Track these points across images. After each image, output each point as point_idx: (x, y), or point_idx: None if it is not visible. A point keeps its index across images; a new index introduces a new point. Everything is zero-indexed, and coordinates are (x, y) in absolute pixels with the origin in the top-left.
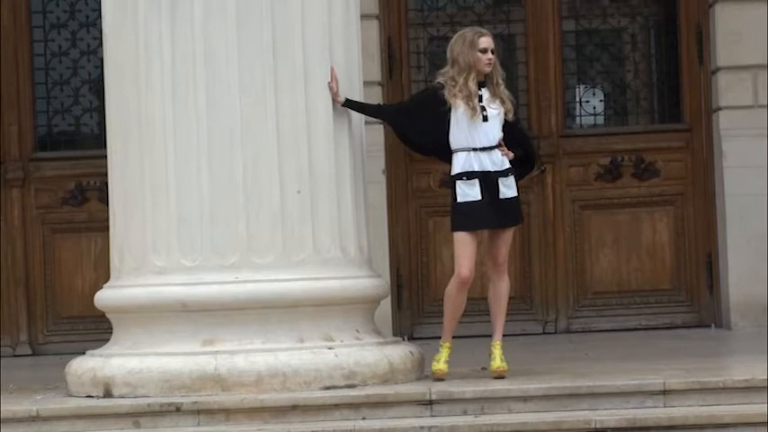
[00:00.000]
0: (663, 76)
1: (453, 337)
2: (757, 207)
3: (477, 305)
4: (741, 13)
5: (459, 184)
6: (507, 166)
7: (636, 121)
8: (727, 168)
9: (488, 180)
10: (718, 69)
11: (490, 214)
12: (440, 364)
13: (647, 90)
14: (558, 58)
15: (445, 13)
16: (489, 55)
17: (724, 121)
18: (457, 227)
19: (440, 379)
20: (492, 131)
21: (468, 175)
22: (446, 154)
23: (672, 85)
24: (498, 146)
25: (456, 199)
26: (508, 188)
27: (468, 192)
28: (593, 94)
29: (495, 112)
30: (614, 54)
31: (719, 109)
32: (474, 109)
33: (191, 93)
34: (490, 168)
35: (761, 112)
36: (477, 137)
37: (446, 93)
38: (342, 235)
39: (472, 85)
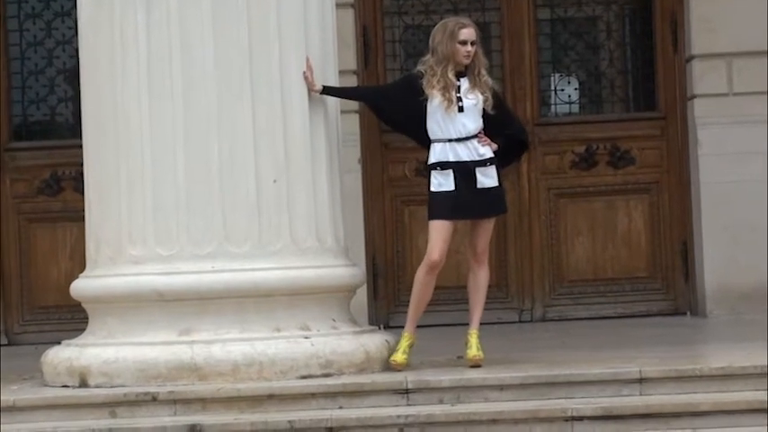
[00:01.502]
0: (638, 65)
1: (427, 327)
2: (732, 195)
3: (453, 294)
4: (715, 1)
5: (433, 173)
6: (487, 155)
7: (611, 109)
8: (703, 156)
9: (464, 170)
10: (692, 57)
11: (467, 204)
12: (397, 355)
13: (622, 78)
14: (533, 47)
15: (420, 1)
16: (468, 47)
17: (699, 108)
18: (432, 215)
19: (397, 369)
20: (468, 122)
21: (443, 166)
22: (425, 141)
23: (647, 74)
24: (476, 136)
25: (431, 189)
26: (487, 177)
27: (443, 182)
28: (569, 83)
29: (473, 102)
30: (589, 42)
31: (694, 97)
32: (450, 100)
33: (166, 83)
34: (466, 158)
35: (735, 99)
36: (452, 127)
37: (424, 82)
38: (318, 224)
39: (450, 75)
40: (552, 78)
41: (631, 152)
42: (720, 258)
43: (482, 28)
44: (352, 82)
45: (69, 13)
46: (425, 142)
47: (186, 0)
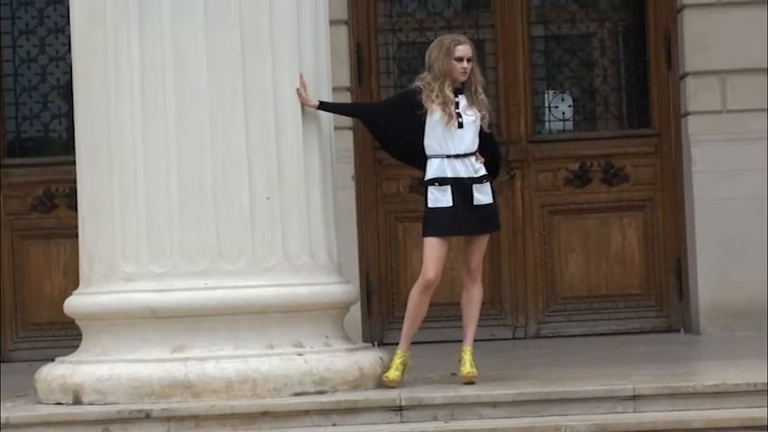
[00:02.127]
0: (632, 82)
1: (420, 343)
2: (726, 212)
3: (446, 310)
4: (709, 18)
5: (430, 189)
6: (483, 172)
7: (605, 126)
8: (696, 173)
9: (461, 186)
10: (686, 74)
11: (463, 221)
12: (390, 372)
13: (616, 95)
14: (527, 64)
15: (414, 18)
16: (465, 64)
17: (693, 126)
18: (427, 232)
19: (390, 386)
20: (467, 138)
21: (441, 182)
22: (419, 159)
23: (641, 91)
24: (473, 153)
25: (427, 204)
26: (483, 194)
27: (440, 198)
28: (562, 100)
29: (472, 119)
30: (583, 59)
31: (688, 114)
32: (450, 115)
33: (160, 99)
34: (463, 175)
35: (729, 116)
36: (451, 144)
37: (423, 97)
38: (311, 241)
39: (448, 92)
40: (546, 95)
41: (625, 169)
42: (714, 275)
43: (476, 45)
44: (345, 98)
45: (63, 29)
46: (418, 160)
47: (179, 16)
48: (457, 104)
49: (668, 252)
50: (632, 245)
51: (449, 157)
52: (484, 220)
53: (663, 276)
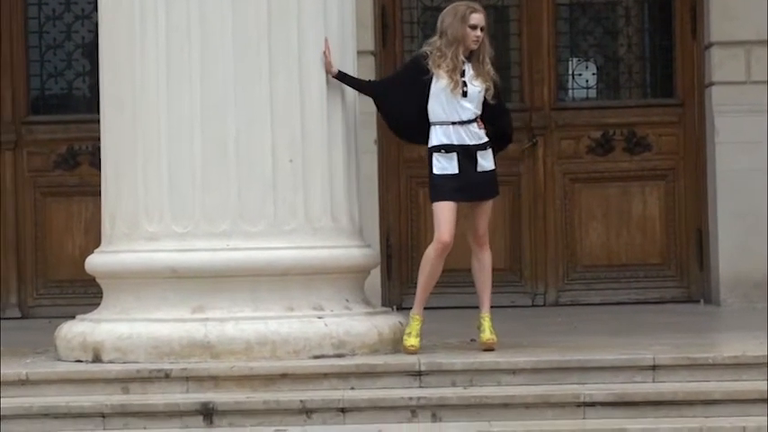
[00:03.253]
0: (656, 51)
1: (439, 308)
2: (748, 183)
3: (465, 276)
4: None
5: (436, 156)
6: (485, 139)
7: (628, 95)
8: (720, 144)
9: (467, 153)
10: (711, 45)
11: (469, 187)
12: (411, 338)
13: (640, 64)
14: (551, 31)
15: None
16: (478, 32)
17: (716, 96)
18: (436, 197)
19: (412, 353)
20: (471, 107)
21: (447, 148)
22: (423, 136)
23: (665, 60)
24: (476, 120)
25: (433, 171)
26: (486, 161)
27: (446, 165)
28: (586, 68)
29: (477, 89)
30: (607, 28)
31: (712, 84)
32: (456, 82)
33: (185, 60)
34: (468, 142)
35: (753, 87)
36: (455, 111)
37: (430, 62)
38: (333, 204)
39: (461, 57)
40: (570, 63)
41: (648, 138)
42: (735, 246)
43: (500, 12)
44: (369, 63)
45: None
46: (422, 137)
47: None
48: (463, 73)
49: (689, 222)
50: (653, 214)
51: (453, 123)
52: (488, 185)
53: (683, 246)
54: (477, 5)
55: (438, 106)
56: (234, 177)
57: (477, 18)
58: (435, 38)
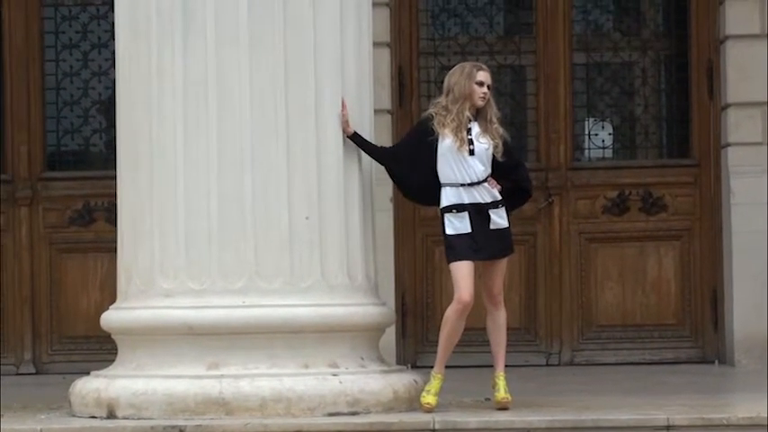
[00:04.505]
0: (672, 111)
1: (455, 367)
2: (764, 244)
3: (481, 335)
4: (751, 49)
5: (448, 216)
6: (498, 197)
7: (644, 155)
8: (735, 205)
9: (479, 211)
10: (727, 106)
11: (483, 245)
12: (429, 396)
13: (657, 124)
14: (568, 91)
15: (456, 42)
16: (485, 89)
17: (733, 157)
18: (452, 258)
19: (428, 411)
20: (478, 166)
21: (458, 208)
22: (436, 196)
23: (681, 121)
24: (486, 179)
25: (446, 231)
26: (500, 218)
27: (458, 225)
28: (603, 128)
29: (484, 147)
30: (624, 88)
31: (728, 145)
32: (462, 140)
33: (202, 117)
34: (480, 200)
35: None
36: (464, 172)
37: (435, 123)
38: (349, 262)
39: (467, 114)
40: (586, 123)
41: (664, 199)
42: (750, 308)
43: (517, 71)
44: (386, 121)
45: (106, 44)
46: (433, 200)
47: (223, 35)
48: (469, 131)
49: (704, 283)
50: (669, 274)
51: (463, 185)
52: (502, 243)
53: (698, 307)
54: (483, 65)
55: (446, 167)
56: (250, 234)
57: (484, 75)
58: (441, 97)
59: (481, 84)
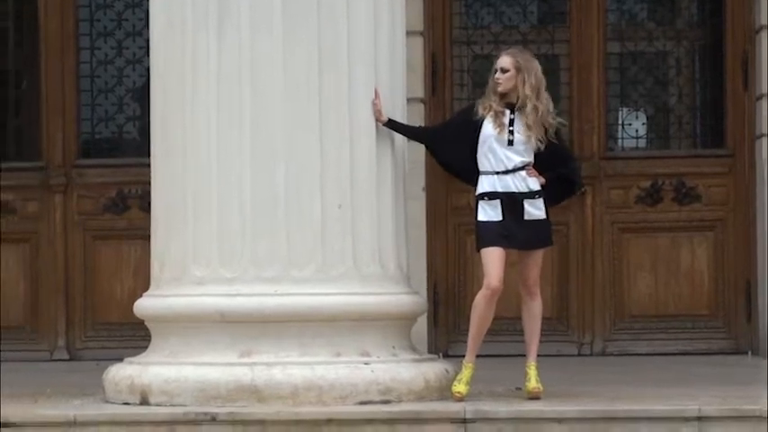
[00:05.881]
0: (707, 101)
1: (486, 356)
2: None
3: (513, 324)
4: None
5: (481, 203)
6: (535, 188)
7: (678, 145)
8: None
9: (512, 201)
10: (762, 96)
11: (513, 235)
12: (460, 386)
13: (691, 114)
14: (602, 80)
15: (489, 31)
16: (499, 74)
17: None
18: (481, 244)
19: (459, 400)
20: (516, 155)
21: (491, 196)
22: (473, 176)
23: (716, 111)
24: (524, 168)
25: (477, 218)
26: (535, 209)
27: (490, 212)
28: (636, 117)
29: (522, 138)
30: (658, 77)
31: (763, 135)
32: (501, 125)
33: (235, 107)
34: (514, 189)
35: None
36: (501, 161)
37: (479, 108)
38: (381, 250)
39: (496, 105)
40: (620, 112)
41: (697, 189)
42: None
43: (551, 60)
44: (418, 110)
45: (141, 32)
46: (474, 179)
47: (258, 25)
48: (512, 121)
49: (738, 274)
50: (702, 265)
51: (498, 173)
52: (535, 235)
53: (732, 298)
54: (508, 48)
55: (483, 156)
56: (282, 223)
57: (502, 61)
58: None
59: (497, 70)
